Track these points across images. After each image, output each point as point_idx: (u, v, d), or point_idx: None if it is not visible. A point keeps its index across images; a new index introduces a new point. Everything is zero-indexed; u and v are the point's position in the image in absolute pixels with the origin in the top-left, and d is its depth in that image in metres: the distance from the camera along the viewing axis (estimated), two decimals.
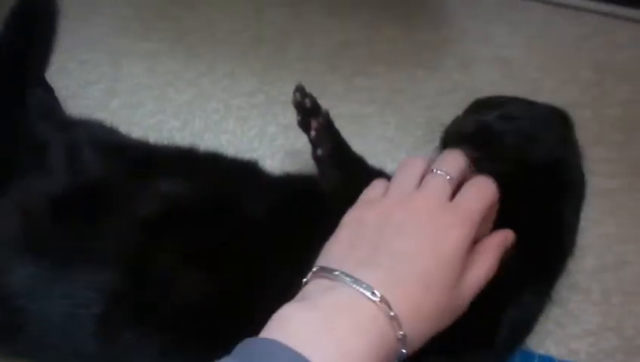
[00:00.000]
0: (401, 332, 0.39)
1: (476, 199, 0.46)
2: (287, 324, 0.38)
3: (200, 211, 0.51)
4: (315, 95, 0.75)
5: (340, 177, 0.59)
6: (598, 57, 0.79)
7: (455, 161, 0.49)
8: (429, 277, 0.41)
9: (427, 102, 0.75)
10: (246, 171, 0.57)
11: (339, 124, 0.72)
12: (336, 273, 0.40)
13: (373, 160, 0.68)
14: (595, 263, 0.60)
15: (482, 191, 0.47)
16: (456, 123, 0.61)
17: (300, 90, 0.59)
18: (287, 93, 0.75)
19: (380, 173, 0.61)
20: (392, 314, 0.39)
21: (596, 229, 0.61)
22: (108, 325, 0.46)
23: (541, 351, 0.54)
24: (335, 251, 0.44)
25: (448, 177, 0.47)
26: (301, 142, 0.71)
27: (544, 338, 0.55)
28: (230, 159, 0.59)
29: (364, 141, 0.70)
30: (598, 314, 0.57)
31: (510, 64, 0.79)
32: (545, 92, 0.75)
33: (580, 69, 0.78)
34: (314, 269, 0.42)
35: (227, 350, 0.44)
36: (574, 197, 0.56)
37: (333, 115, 0.73)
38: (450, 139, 0.60)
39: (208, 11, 0.86)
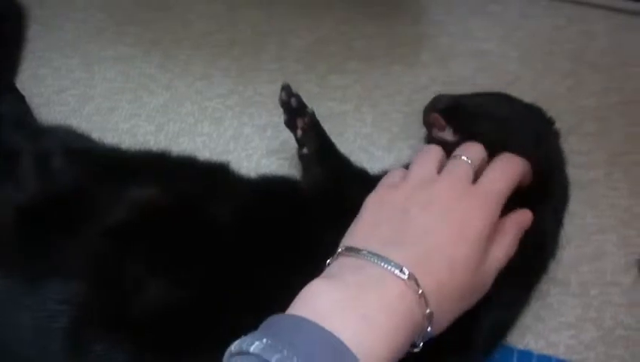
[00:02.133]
0: (429, 310, 0.39)
1: (500, 179, 0.47)
2: (315, 301, 0.38)
3: (169, 217, 0.50)
4: None
5: (324, 176, 0.59)
6: (574, 47, 0.78)
7: (475, 148, 0.50)
8: (454, 257, 0.42)
9: (404, 98, 0.74)
10: (217, 174, 0.56)
11: None
12: (363, 252, 0.41)
13: (349, 157, 0.67)
14: (573, 255, 0.59)
15: (506, 170, 0.48)
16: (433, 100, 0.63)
17: (285, 89, 0.60)
18: (263, 94, 0.76)
19: (364, 173, 0.61)
20: (419, 291, 0.39)
21: (574, 220, 0.61)
22: (77, 337, 0.45)
23: (520, 346, 0.54)
24: (360, 231, 0.44)
25: (470, 161, 0.47)
26: (277, 142, 0.70)
27: (523, 332, 0.54)
28: (201, 163, 0.58)
29: (341, 139, 0.70)
30: (577, 306, 0.56)
31: (487, 57, 0.78)
32: (522, 84, 0.75)
33: (556, 59, 0.77)
34: (339, 249, 0.42)
35: (199, 356, 0.44)
36: (557, 201, 0.56)
37: None
38: (426, 114, 0.61)
39: (182, 13, 0.85)
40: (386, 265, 0.39)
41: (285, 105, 0.59)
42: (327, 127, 0.71)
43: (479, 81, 0.76)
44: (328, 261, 0.42)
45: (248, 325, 0.37)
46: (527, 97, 0.73)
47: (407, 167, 0.51)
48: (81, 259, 0.48)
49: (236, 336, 0.37)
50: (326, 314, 0.36)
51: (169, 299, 0.46)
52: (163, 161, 0.57)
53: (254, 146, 0.70)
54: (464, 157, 0.48)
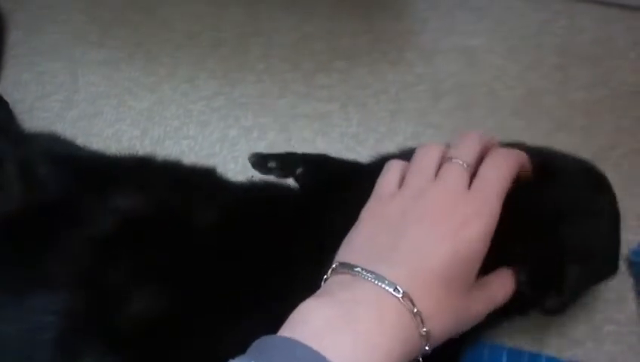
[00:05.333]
0: (425, 329, 0.39)
1: (495, 179, 0.45)
2: (308, 321, 0.37)
3: (153, 226, 0.49)
4: (276, 95, 0.75)
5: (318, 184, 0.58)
6: (561, 41, 0.78)
7: (470, 144, 0.48)
8: (450, 272, 0.41)
9: (390, 96, 0.74)
10: (202, 180, 0.55)
11: (301, 123, 0.71)
12: (358, 269, 0.40)
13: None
14: None
15: (500, 168, 0.46)
16: None
17: (253, 160, 0.57)
18: (248, 95, 0.75)
19: (359, 171, 0.59)
20: (415, 310, 0.38)
21: None
22: (65, 348, 0.45)
23: (510, 344, 0.53)
24: (355, 246, 0.43)
25: (465, 164, 0.46)
26: (263, 144, 0.70)
27: (512, 330, 0.54)
28: (187, 168, 0.58)
29: (328, 139, 0.70)
30: None
31: (474, 53, 0.78)
32: (509, 79, 0.75)
33: (544, 54, 0.77)
34: (334, 266, 0.42)
35: None
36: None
37: (295, 113, 0.73)
38: None
39: (166, 15, 0.84)
40: (380, 283, 0.39)
41: (269, 172, 0.58)
42: (313, 126, 0.71)
43: (465, 78, 0.75)
44: (325, 277, 0.41)
45: (234, 334, 0.37)
46: (515, 92, 0.74)
47: (404, 155, 0.50)
48: (67, 270, 0.47)
49: (222, 344, 0.36)
50: (318, 334, 0.35)
51: (155, 309, 0.45)
52: (147, 166, 0.56)
53: (240, 149, 0.69)
54: (458, 161, 0.46)
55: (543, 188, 0.50)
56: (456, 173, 0.45)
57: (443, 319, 0.40)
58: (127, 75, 0.77)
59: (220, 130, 0.71)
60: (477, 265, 0.42)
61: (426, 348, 0.39)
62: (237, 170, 0.67)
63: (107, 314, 0.46)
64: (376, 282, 0.39)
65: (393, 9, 0.84)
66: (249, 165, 0.68)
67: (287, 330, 0.37)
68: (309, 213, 0.52)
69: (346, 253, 0.43)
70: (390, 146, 0.69)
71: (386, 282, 0.39)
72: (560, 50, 0.77)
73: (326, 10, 0.83)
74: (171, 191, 0.53)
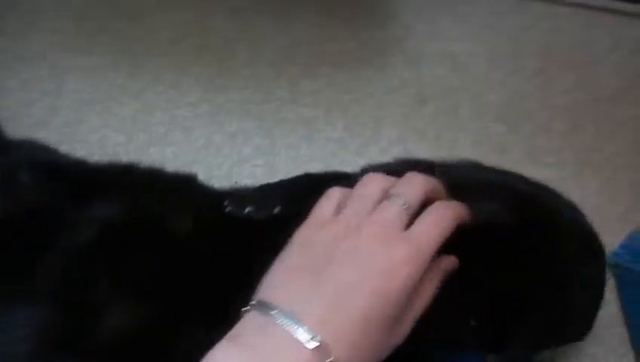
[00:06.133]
0: None
1: (432, 231, 0.43)
2: None
3: (133, 237, 0.49)
4: (261, 100, 0.75)
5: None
6: (543, 45, 0.79)
7: (415, 186, 0.46)
8: (372, 313, 0.40)
9: (375, 101, 0.74)
10: (183, 187, 0.55)
11: (286, 128, 0.72)
12: (274, 312, 0.39)
13: (321, 162, 0.67)
14: None
15: (439, 221, 0.44)
16: None
17: (229, 205, 0.54)
18: (233, 101, 0.75)
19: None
20: (330, 360, 0.37)
21: None
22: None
23: None
24: (277, 281, 0.42)
25: (406, 205, 0.44)
26: (248, 150, 0.70)
27: None
28: (168, 175, 0.57)
29: (312, 144, 0.70)
30: None
31: (457, 58, 0.79)
32: (492, 83, 0.75)
33: (526, 57, 0.78)
34: (253, 302, 0.40)
35: None
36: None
37: (279, 119, 0.73)
38: None
39: (150, 22, 0.84)
40: (296, 328, 0.38)
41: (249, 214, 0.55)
42: (298, 131, 0.71)
43: (450, 82, 0.76)
44: (243, 309, 0.40)
45: (214, 343, 0.37)
46: (498, 96, 0.74)
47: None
48: (45, 282, 0.47)
49: (202, 355, 0.36)
50: None
51: (134, 321, 0.45)
52: (129, 174, 0.56)
53: (225, 154, 0.69)
54: (400, 200, 0.44)
55: (524, 239, 0.48)
56: (395, 212, 0.43)
57: (358, 359, 0.39)
58: (112, 82, 0.77)
59: (205, 136, 0.71)
60: (402, 305, 0.41)
61: None
62: (221, 176, 0.67)
63: (85, 327, 0.45)
64: (293, 327, 0.38)
65: (378, 15, 0.85)
66: (233, 171, 0.68)
67: None
68: (289, 221, 0.51)
69: (267, 288, 0.42)
70: (375, 151, 0.70)
71: (304, 328, 0.38)
72: (542, 54, 0.78)
73: (311, 16, 0.83)
74: (151, 199, 0.52)
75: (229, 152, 0.70)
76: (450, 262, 0.46)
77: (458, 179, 0.51)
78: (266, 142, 0.70)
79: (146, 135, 0.72)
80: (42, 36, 0.83)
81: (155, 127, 0.72)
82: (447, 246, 0.45)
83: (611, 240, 0.59)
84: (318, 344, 0.37)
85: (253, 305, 0.40)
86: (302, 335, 0.37)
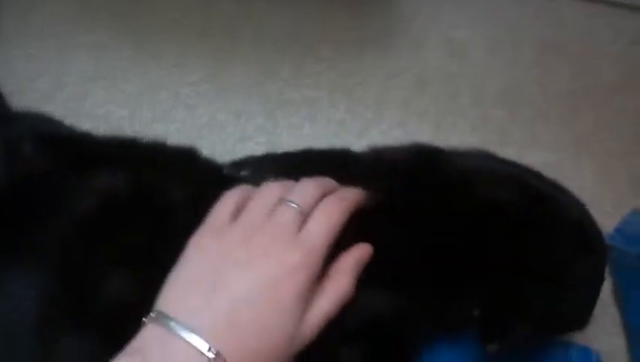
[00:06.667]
0: None
1: (322, 231, 0.44)
2: None
3: (133, 207, 0.49)
4: (264, 81, 0.76)
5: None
6: (542, 35, 0.80)
7: (308, 189, 0.47)
8: (268, 322, 0.41)
9: (377, 85, 0.75)
10: (184, 160, 0.56)
11: (289, 109, 0.73)
12: (172, 324, 0.39)
13: (322, 143, 0.68)
14: None
15: (328, 217, 0.45)
16: None
17: (227, 168, 0.55)
18: (237, 79, 0.76)
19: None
20: None
21: None
22: (44, 330, 0.45)
23: None
24: (175, 289, 0.42)
25: (300, 208, 0.45)
26: (251, 128, 0.71)
27: None
28: (170, 148, 0.57)
29: (314, 124, 0.71)
30: None
31: (458, 45, 0.80)
32: (493, 71, 0.76)
33: (526, 47, 0.79)
34: (152, 314, 0.41)
35: None
36: None
37: (283, 99, 0.74)
38: None
39: (155, 1, 0.85)
40: (193, 340, 0.38)
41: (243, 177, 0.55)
42: (301, 112, 0.72)
43: (450, 68, 0.77)
44: (144, 319, 0.41)
45: None
46: (498, 83, 0.75)
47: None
48: (46, 251, 0.47)
49: None
50: None
51: (132, 291, 0.45)
52: (132, 147, 0.56)
53: (228, 132, 0.70)
54: (292, 204, 0.45)
55: (529, 232, 0.49)
56: (288, 217, 0.45)
57: None
58: (117, 58, 0.78)
59: (209, 114, 0.72)
60: (298, 312, 0.42)
61: None
62: (225, 153, 0.68)
63: (85, 297, 0.45)
64: (189, 340, 0.39)
65: (381, 2, 0.86)
66: (237, 148, 0.69)
67: None
68: None
69: (165, 299, 0.42)
70: (376, 133, 0.71)
71: (200, 341, 0.38)
72: (541, 44, 0.79)
73: (315, 2, 0.84)
74: (153, 171, 0.52)
75: (232, 130, 0.70)
76: (362, 250, 0.46)
77: (470, 167, 0.53)
78: (269, 122, 0.71)
79: (150, 112, 0.72)
80: (48, 12, 0.83)
81: (160, 104, 0.73)
82: (452, 236, 0.47)
83: (606, 223, 0.60)
84: (214, 356, 0.38)
85: (152, 317, 0.41)
86: (200, 346, 0.38)
